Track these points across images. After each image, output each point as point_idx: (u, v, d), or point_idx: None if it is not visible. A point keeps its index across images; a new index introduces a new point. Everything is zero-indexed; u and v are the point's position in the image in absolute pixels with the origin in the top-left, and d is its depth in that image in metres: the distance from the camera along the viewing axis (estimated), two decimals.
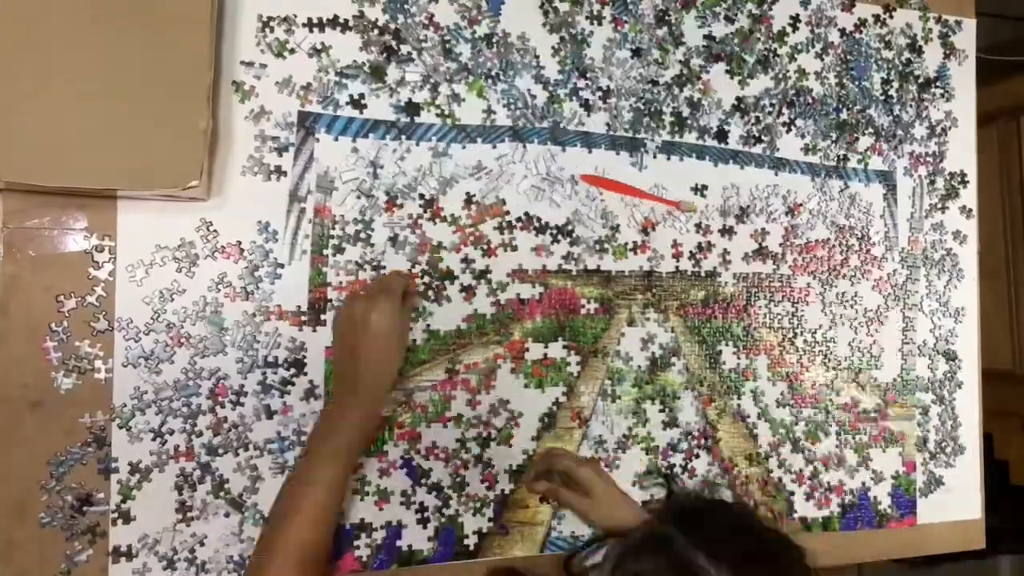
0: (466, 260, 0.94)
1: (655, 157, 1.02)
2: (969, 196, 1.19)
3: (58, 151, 0.75)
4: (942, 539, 1.15)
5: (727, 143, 1.06)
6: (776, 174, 1.08)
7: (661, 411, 1.01)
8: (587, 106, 0.99)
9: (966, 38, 1.19)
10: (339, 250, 0.89)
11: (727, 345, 1.05)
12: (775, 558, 0.67)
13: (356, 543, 0.88)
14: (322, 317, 0.88)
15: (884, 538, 1.10)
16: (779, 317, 1.07)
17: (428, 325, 0.92)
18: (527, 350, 0.96)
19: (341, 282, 0.89)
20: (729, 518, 0.74)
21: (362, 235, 0.90)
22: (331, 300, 0.89)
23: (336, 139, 0.90)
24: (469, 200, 0.94)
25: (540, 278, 0.97)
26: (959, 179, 1.18)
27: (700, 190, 1.04)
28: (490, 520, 0.93)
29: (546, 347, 0.97)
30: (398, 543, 0.90)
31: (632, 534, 0.68)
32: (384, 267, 0.90)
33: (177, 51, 0.78)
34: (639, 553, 0.65)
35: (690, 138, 1.04)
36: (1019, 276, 1.82)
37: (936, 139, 1.17)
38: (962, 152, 1.19)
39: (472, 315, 0.94)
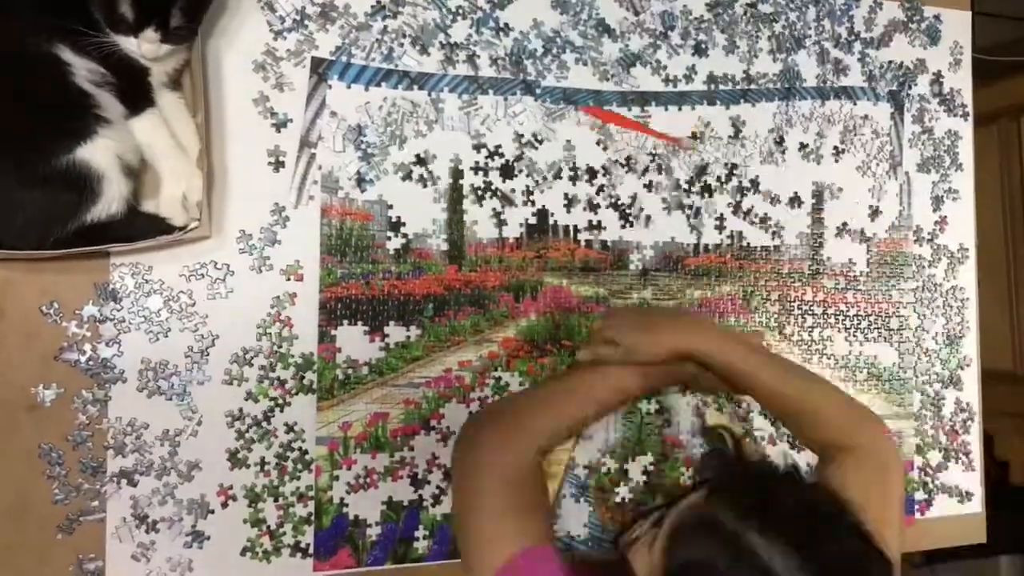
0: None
1: (667, 110, 1.03)
2: (966, 185, 1.19)
3: None
4: (944, 533, 1.14)
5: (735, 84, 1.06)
6: (787, 104, 1.08)
7: (657, 411, 1.01)
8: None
9: (961, 30, 1.19)
10: (343, 251, 0.90)
11: None
12: (839, 540, 0.58)
13: (351, 539, 0.88)
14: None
15: None
16: (775, 316, 1.07)
17: (422, 321, 0.92)
18: (522, 348, 0.96)
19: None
20: (790, 492, 0.62)
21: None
22: (342, 300, 0.89)
23: (348, 87, 0.90)
24: (478, 150, 0.95)
25: (536, 276, 0.97)
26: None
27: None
28: None
29: (541, 346, 0.97)
30: (393, 540, 0.90)
31: (681, 511, 0.62)
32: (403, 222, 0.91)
33: None
34: (689, 537, 0.60)
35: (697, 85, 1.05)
36: (1019, 276, 1.81)
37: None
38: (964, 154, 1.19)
39: (468, 311, 0.94)
